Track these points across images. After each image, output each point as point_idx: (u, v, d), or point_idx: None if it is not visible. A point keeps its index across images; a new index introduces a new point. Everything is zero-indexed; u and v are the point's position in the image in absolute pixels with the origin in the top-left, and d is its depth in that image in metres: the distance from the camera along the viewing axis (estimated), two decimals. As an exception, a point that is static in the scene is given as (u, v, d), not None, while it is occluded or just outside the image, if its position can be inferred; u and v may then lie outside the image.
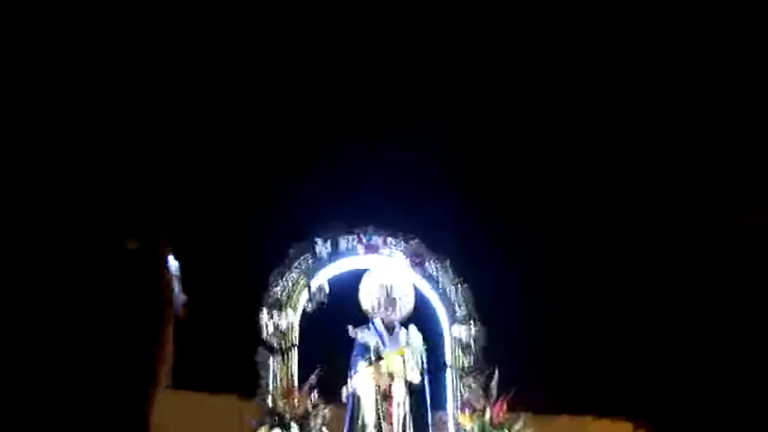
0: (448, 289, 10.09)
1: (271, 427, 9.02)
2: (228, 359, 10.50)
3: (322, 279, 9.86)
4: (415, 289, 10.02)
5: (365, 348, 9.59)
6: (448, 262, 10.15)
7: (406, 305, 9.88)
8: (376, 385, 9.45)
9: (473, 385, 9.68)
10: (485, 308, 10.20)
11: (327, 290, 9.81)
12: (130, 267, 10.80)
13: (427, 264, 10.13)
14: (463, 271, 10.18)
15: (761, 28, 11.69)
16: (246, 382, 9.76)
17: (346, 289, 9.92)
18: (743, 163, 12.11)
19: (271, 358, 9.47)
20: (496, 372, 9.59)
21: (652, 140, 12.25)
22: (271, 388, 9.32)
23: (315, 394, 9.20)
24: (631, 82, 12.12)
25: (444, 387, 9.84)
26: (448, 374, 9.87)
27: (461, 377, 9.81)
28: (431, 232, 10.32)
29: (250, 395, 9.60)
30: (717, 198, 12.14)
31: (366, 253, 10.09)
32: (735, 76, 11.91)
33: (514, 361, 10.08)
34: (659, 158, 12.28)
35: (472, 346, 9.93)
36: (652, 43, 11.99)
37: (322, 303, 9.76)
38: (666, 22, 11.88)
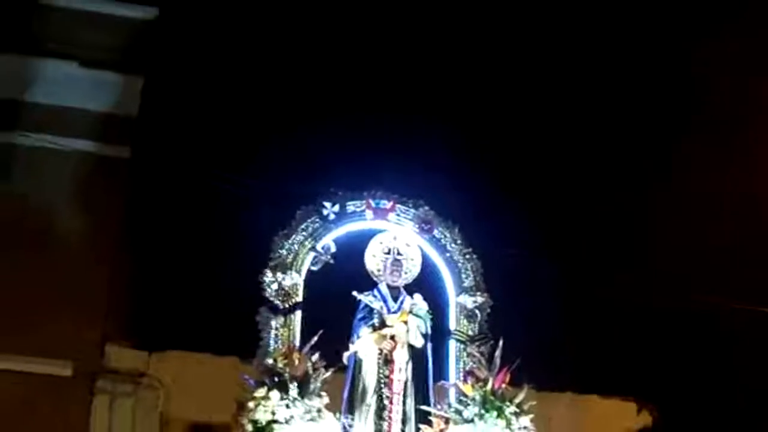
0: (455, 258, 9.98)
1: (270, 387, 8.89)
2: (232, 322, 10.42)
3: (328, 240, 9.76)
4: (423, 255, 9.91)
5: (369, 312, 9.51)
6: (456, 230, 10.03)
7: (411, 270, 9.80)
8: (379, 350, 9.37)
9: (476, 354, 9.54)
10: (493, 279, 10.09)
11: (333, 249, 9.72)
12: None
13: (435, 231, 10.02)
14: (471, 240, 10.05)
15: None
16: (249, 345, 9.67)
17: (353, 252, 9.83)
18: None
19: (272, 319, 9.38)
20: (501, 342, 9.44)
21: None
22: (271, 348, 9.24)
23: (316, 356, 9.09)
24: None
25: (447, 355, 9.73)
26: (452, 343, 9.76)
27: (465, 346, 9.70)
28: (441, 199, 10.20)
29: (252, 358, 9.50)
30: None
31: (374, 217, 9.98)
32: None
33: (519, 336, 9.95)
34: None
35: (478, 315, 9.82)
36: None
37: (327, 262, 9.67)
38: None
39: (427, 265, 9.93)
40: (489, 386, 9.27)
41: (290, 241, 9.73)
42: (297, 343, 9.32)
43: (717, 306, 11.44)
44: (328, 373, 9.12)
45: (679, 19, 12.22)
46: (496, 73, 12.18)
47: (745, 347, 11.92)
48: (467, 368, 9.56)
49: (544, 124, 12.30)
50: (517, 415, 9.20)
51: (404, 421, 9.27)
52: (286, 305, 9.47)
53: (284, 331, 9.41)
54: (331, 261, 9.68)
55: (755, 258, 11.90)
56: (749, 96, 11.68)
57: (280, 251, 9.69)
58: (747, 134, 11.72)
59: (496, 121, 12.31)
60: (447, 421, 9.25)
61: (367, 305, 9.52)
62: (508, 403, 9.23)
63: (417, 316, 9.53)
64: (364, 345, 9.39)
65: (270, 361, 9.09)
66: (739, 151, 11.81)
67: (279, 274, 9.55)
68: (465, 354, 9.70)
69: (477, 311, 9.85)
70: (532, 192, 12.11)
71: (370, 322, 9.45)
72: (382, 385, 9.31)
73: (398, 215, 10.00)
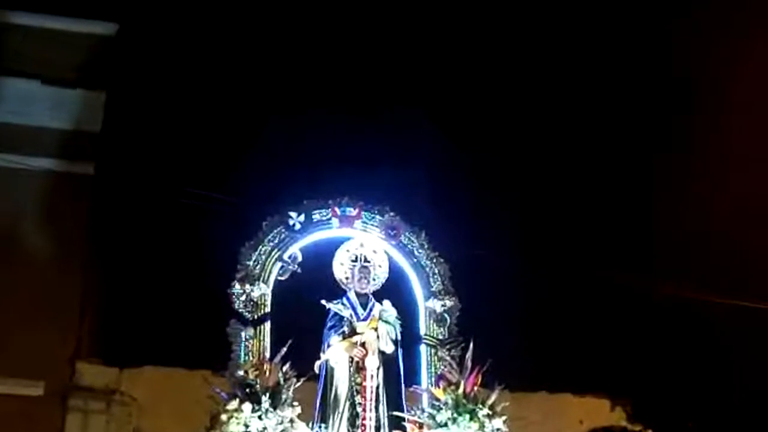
0: (423, 263, 9.99)
1: (242, 399, 8.87)
2: (202, 335, 10.40)
3: (295, 250, 9.76)
4: (390, 261, 9.92)
5: (339, 321, 9.50)
6: (423, 235, 10.04)
7: (379, 276, 9.80)
8: (350, 358, 9.36)
9: (447, 358, 9.55)
10: (461, 282, 10.10)
11: (300, 258, 9.71)
12: None
13: (402, 237, 10.02)
14: (439, 244, 10.07)
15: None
16: (220, 358, 9.65)
17: (321, 261, 9.82)
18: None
19: (242, 331, 9.37)
20: (471, 345, 9.45)
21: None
22: (242, 360, 9.22)
23: (287, 366, 9.07)
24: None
25: (418, 360, 9.73)
26: (422, 347, 9.77)
27: (435, 350, 9.71)
28: (407, 204, 10.21)
29: (224, 371, 9.47)
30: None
31: (341, 225, 9.97)
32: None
33: (490, 337, 9.97)
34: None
35: (447, 319, 9.83)
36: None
37: (294, 272, 9.66)
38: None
39: (394, 270, 9.93)
40: (461, 389, 9.25)
41: (257, 252, 9.70)
42: (267, 354, 9.30)
43: (688, 300, 11.51)
44: (300, 383, 9.10)
45: (679, 18, 12.29)
46: (468, 74, 12.20)
47: (717, 342, 12.03)
48: (439, 372, 9.54)
49: (518, 123, 12.33)
50: (490, 417, 9.18)
51: (377, 428, 9.25)
52: (255, 316, 9.45)
53: (254, 343, 9.39)
54: (299, 270, 9.67)
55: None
56: (749, 96, 11.77)
57: (248, 262, 9.66)
58: (746, 133, 11.81)
59: (466, 122, 12.33)
60: (420, 426, 9.24)
61: (336, 313, 9.50)
62: (480, 406, 9.21)
63: (386, 322, 9.52)
64: (335, 353, 9.37)
65: (241, 373, 9.06)
66: (738, 150, 11.89)
67: (247, 286, 9.53)
68: (436, 358, 9.69)
69: (446, 315, 9.85)
70: (499, 193, 12.16)
71: (340, 330, 9.44)
72: (355, 393, 9.29)
73: (364, 222, 9.99)
